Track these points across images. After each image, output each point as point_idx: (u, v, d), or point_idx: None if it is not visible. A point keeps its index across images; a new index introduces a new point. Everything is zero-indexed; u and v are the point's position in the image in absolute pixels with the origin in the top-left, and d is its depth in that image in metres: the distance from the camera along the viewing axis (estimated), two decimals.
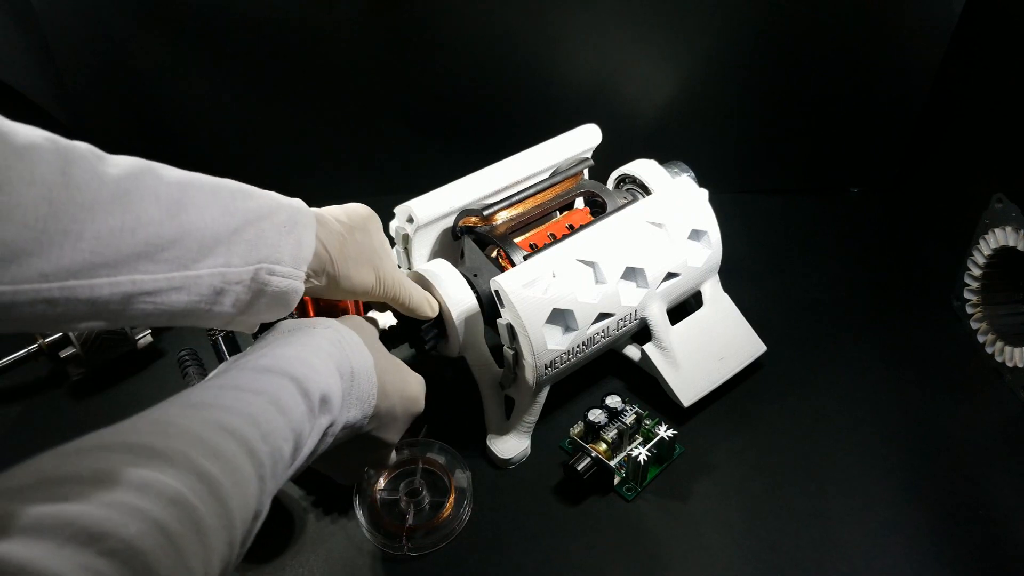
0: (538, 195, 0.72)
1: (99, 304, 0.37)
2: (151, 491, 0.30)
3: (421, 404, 0.54)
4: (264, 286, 0.44)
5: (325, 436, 0.44)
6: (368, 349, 0.50)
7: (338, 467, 0.54)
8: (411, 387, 0.53)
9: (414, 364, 0.77)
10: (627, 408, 0.68)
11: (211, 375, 0.44)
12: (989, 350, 0.76)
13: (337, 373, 0.45)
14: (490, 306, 0.64)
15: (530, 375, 0.63)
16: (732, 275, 0.76)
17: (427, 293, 0.62)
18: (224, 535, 0.33)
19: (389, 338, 0.63)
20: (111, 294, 0.37)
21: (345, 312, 0.60)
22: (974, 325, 0.79)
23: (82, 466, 0.30)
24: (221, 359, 0.71)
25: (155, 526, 0.29)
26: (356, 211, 0.54)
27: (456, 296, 0.64)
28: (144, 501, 0.29)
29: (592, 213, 0.75)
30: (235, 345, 0.71)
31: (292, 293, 0.46)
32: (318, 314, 0.61)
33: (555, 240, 0.71)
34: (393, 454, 0.57)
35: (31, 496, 0.27)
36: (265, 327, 0.50)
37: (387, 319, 0.64)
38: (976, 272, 0.78)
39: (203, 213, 0.41)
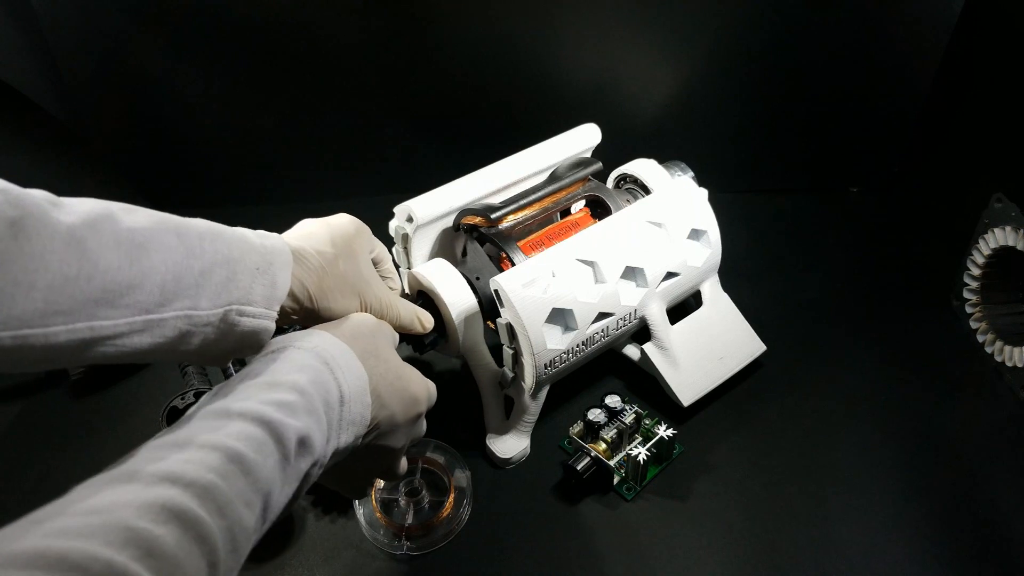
0: (545, 198, 0.72)
1: (56, 349, 0.36)
2: None
3: (423, 404, 0.51)
4: (233, 327, 0.43)
5: (308, 478, 0.41)
6: (363, 362, 0.46)
7: (344, 482, 0.52)
8: (410, 390, 0.50)
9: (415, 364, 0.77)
10: (626, 407, 0.68)
11: (184, 416, 0.40)
12: (989, 350, 0.76)
13: (322, 405, 0.42)
14: (490, 306, 0.64)
15: (530, 375, 0.63)
16: (732, 275, 0.76)
17: (417, 308, 0.60)
18: None
19: None
20: (68, 340, 0.36)
21: None
22: (974, 325, 0.79)
23: None
24: None
25: None
26: (342, 231, 0.52)
27: (456, 296, 0.64)
28: None
29: (592, 213, 0.75)
30: None
31: (263, 333, 0.44)
32: None
33: (555, 240, 0.71)
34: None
35: None
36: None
37: None
38: (976, 272, 0.78)
39: (166, 257, 0.39)
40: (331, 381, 0.43)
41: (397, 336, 0.54)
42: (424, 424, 0.53)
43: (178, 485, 0.33)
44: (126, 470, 0.33)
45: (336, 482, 0.52)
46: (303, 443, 0.40)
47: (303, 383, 0.41)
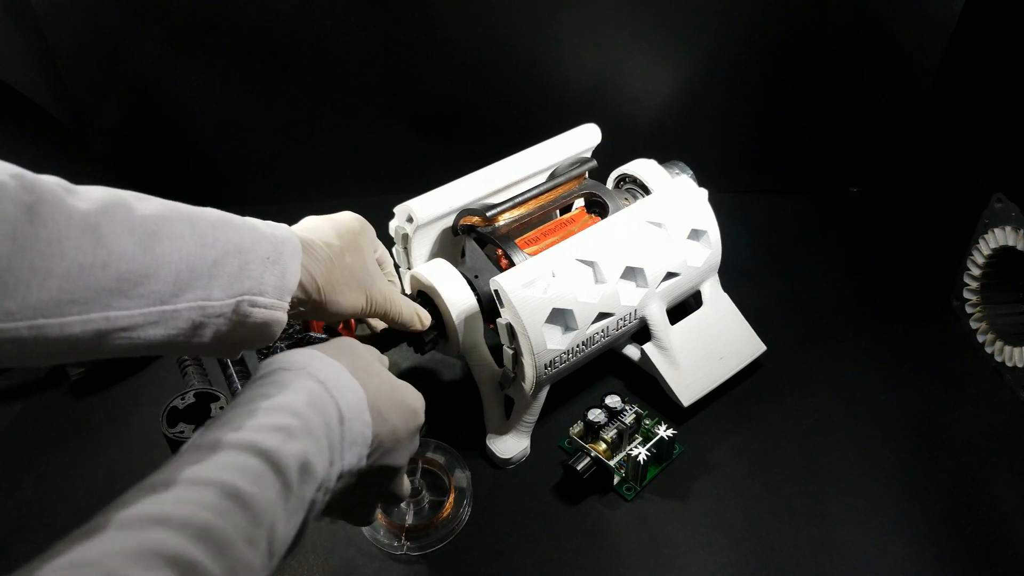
0: (541, 196, 0.72)
1: (71, 341, 0.36)
2: None
3: (421, 416, 0.49)
4: (246, 318, 0.42)
5: (314, 504, 0.39)
6: (357, 378, 0.44)
7: (349, 509, 0.49)
8: (408, 402, 0.48)
9: (414, 370, 0.77)
10: (627, 408, 0.68)
11: (177, 452, 0.37)
12: (989, 350, 0.76)
13: (322, 424, 0.40)
14: (490, 306, 0.64)
15: (530, 375, 0.63)
16: (732, 275, 0.76)
17: (417, 305, 0.60)
18: None
19: (386, 340, 0.63)
20: (83, 331, 0.36)
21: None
22: (974, 325, 0.79)
23: None
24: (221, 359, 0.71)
25: None
26: (347, 227, 0.52)
27: (456, 296, 0.64)
28: None
29: (592, 213, 0.75)
30: None
31: (275, 324, 0.44)
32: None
33: (555, 240, 0.71)
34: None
35: None
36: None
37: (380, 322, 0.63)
38: (976, 272, 0.78)
39: (180, 245, 0.39)
40: (328, 401, 0.41)
41: (387, 360, 0.52)
42: (418, 439, 0.51)
43: (171, 527, 0.31)
44: (114, 518, 0.31)
45: (340, 510, 0.49)
46: (304, 468, 0.37)
47: (300, 405, 0.39)
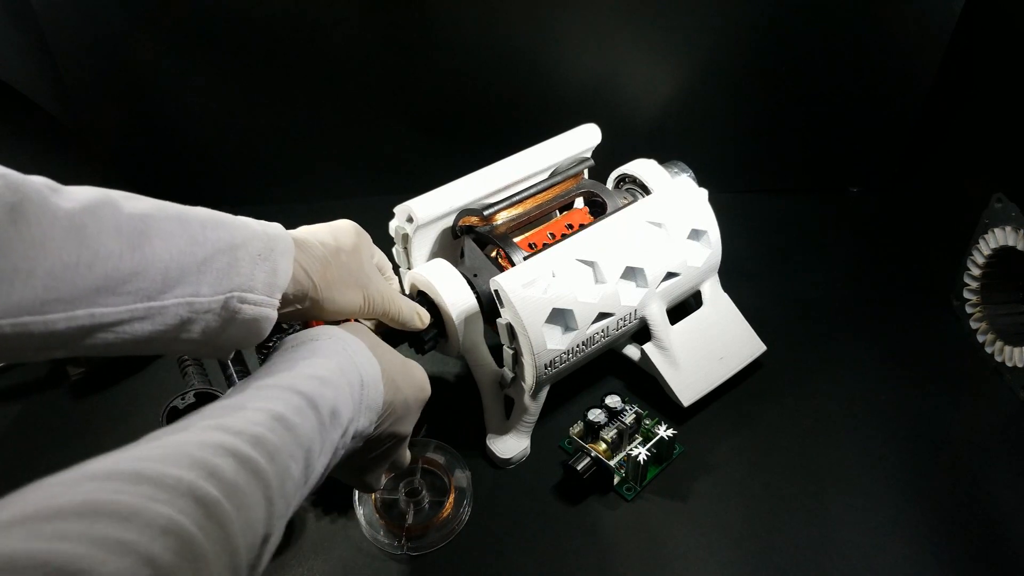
0: (539, 195, 0.73)
1: (55, 337, 0.36)
2: (138, 521, 0.28)
3: (428, 389, 0.53)
4: (235, 314, 0.43)
5: (338, 450, 0.43)
6: (374, 353, 0.48)
7: (358, 472, 0.52)
8: (417, 376, 0.53)
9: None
10: (627, 408, 0.68)
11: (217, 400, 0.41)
12: (989, 350, 0.76)
13: (347, 384, 0.44)
14: (490, 306, 0.64)
15: (530, 375, 0.63)
16: (732, 275, 0.76)
17: (416, 304, 0.61)
18: (226, 561, 0.31)
19: (386, 340, 0.63)
20: (67, 328, 0.36)
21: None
22: (974, 325, 0.79)
23: (65, 499, 0.28)
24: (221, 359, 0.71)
25: (140, 560, 0.27)
26: (343, 230, 0.53)
27: (456, 296, 0.64)
28: (130, 533, 0.27)
29: (592, 213, 0.76)
30: None
31: (264, 321, 0.44)
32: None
33: (555, 240, 0.71)
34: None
35: (8, 535, 0.26)
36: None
37: None
38: (976, 272, 0.78)
39: (168, 244, 0.39)
40: (353, 367, 0.45)
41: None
42: (420, 412, 0.54)
43: (230, 432, 0.35)
44: (178, 426, 0.36)
45: (349, 474, 0.52)
46: (334, 413, 0.42)
47: (331, 365, 0.44)
